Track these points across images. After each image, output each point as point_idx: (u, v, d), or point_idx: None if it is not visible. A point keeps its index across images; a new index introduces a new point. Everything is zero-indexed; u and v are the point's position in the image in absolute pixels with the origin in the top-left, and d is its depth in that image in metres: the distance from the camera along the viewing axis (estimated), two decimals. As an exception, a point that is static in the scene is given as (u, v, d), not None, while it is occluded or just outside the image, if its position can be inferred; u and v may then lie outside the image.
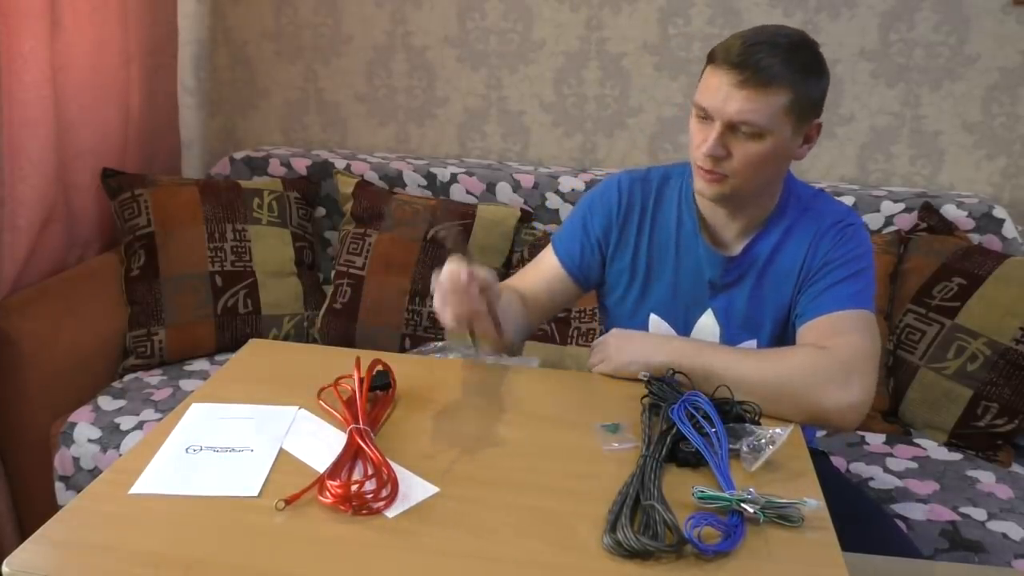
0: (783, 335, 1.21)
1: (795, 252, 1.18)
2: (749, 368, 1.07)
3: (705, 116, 1.09)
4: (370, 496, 0.84)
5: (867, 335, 1.09)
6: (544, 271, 1.30)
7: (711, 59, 1.09)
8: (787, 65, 1.04)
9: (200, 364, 1.91)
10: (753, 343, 1.21)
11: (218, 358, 1.95)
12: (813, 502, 0.84)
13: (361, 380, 1.01)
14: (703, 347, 1.13)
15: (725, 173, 1.10)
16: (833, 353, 1.07)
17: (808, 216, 1.19)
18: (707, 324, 1.22)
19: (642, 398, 1.05)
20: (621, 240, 1.26)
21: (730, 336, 1.21)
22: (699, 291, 1.22)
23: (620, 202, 1.26)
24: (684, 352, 1.10)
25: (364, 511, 0.83)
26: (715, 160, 1.09)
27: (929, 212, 1.88)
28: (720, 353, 1.11)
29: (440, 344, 1.91)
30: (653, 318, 1.25)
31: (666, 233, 1.24)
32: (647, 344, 1.14)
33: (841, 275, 1.14)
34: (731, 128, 1.07)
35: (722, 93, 1.06)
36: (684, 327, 1.24)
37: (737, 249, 1.20)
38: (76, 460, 1.66)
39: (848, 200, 1.93)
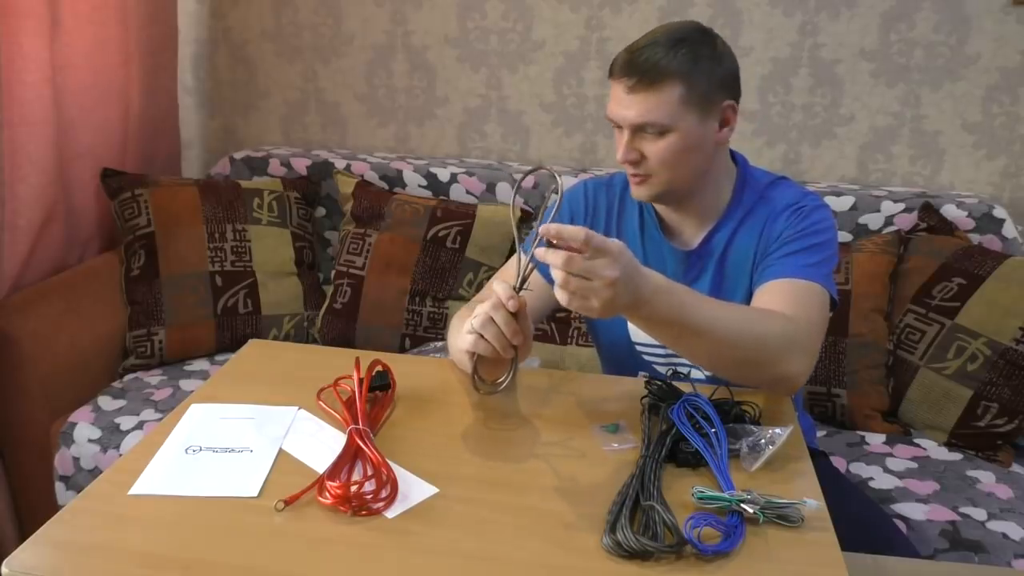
0: None
1: (748, 238, 1.20)
2: (732, 322, 1.01)
3: (617, 126, 1.14)
4: (369, 497, 0.84)
5: (822, 311, 1.11)
6: None
7: (610, 73, 1.14)
8: (671, 59, 1.08)
9: (200, 364, 1.91)
10: None
11: (218, 358, 1.95)
12: (813, 502, 0.84)
13: (360, 380, 1.01)
14: (686, 293, 1.01)
15: (647, 173, 1.14)
16: (800, 325, 1.06)
17: (762, 203, 1.20)
18: None
19: (642, 398, 1.04)
20: None
21: None
22: None
23: (587, 205, 1.28)
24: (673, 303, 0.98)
25: (364, 512, 0.83)
26: (633, 164, 1.13)
27: (929, 212, 1.88)
28: (705, 303, 1.02)
29: (440, 344, 1.92)
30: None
31: (632, 234, 1.26)
32: (634, 293, 0.94)
33: (797, 247, 1.15)
34: (638, 131, 1.11)
35: (622, 102, 1.11)
36: None
37: (696, 243, 1.22)
38: (76, 460, 1.66)
39: (848, 200, 1.93)
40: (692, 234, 1.23)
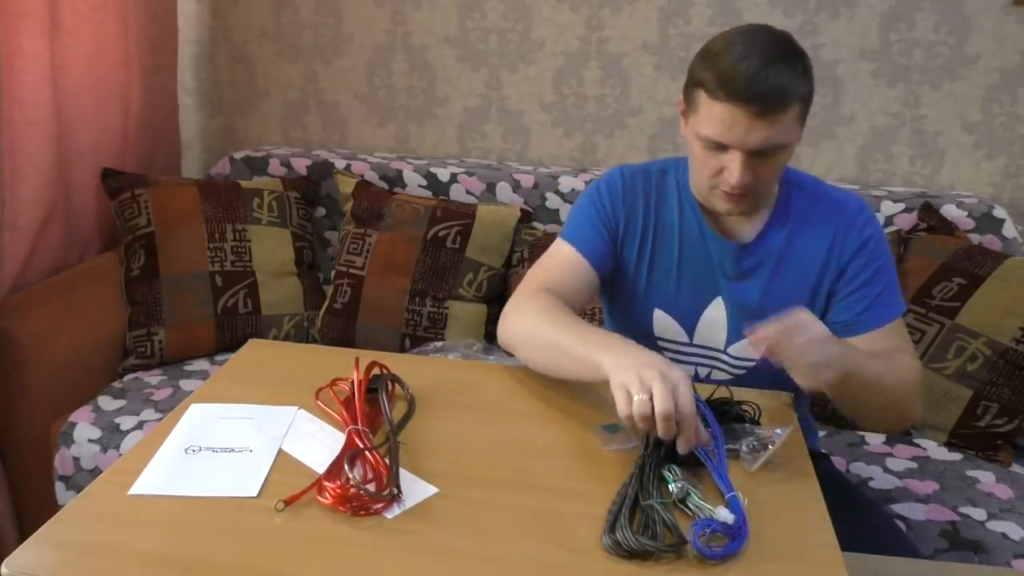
0: None
1: (814, 246, 1.18)
2: (883, 373, 1.08)
3: (718, 146, 1.07)
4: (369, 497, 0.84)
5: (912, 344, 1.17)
6: (566, 268, 1.22)
7: (707, 90, 1.05)
8: (794, 78, 1.03)
9: (200, 364, 1.91)
10: None
11: (218, 358, 1.95)
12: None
13: (360, 381, 1.01)
14: (854, 351, 1.08)
15: (752, 190, 1.10)
16: (917, 367, 1.13)
17: (822, 206, 1.19)
18: (714, 315, 1.21)
19: (642, 398, 1.04)
20: (628, 229, 1.23)
21: (736, 328, 1.20)
22: (706, 282, 1.21)
23: (625, 190, 1.24)
24: (853, 361, 1.04)
25: (363, 512, 0.83)
26: (747, 185, 1.08)
27: (929, 212, 1.88)
28: (863, 357, 1.07)
29: (440, 344, 1.92)
30: (658, 313, 1.24)
31: (669, 226, 1.23)
32: (825, 350, 1.00)
33: (884, 280, 1.17)
34: (756, 153, 1.06)
35: (741, 126, 1.03)
36: (691, 320, 1.22)
37: (749, 236, 1.19)
38: (76, 460, 1.66)
39: (848, 200, 1.93)
40: (742, 228, 1.20)
